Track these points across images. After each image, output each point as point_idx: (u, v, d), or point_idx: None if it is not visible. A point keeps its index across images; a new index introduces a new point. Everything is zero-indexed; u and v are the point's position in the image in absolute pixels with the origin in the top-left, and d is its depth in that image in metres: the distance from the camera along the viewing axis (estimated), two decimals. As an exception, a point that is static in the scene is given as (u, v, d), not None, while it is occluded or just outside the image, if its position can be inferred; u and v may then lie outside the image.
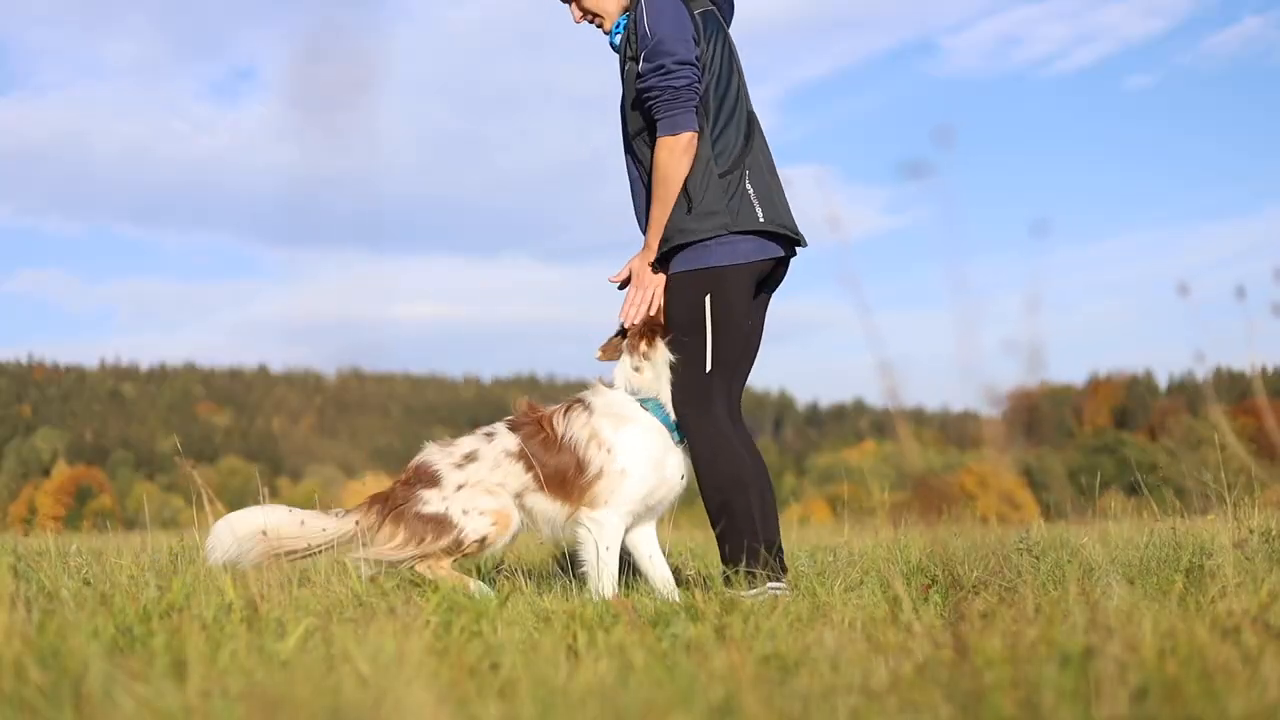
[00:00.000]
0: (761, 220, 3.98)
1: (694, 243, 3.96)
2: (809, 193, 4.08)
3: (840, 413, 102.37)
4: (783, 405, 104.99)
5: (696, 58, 3.92)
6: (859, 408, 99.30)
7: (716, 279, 3.95)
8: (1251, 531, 4.22)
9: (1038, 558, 4.26)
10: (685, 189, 3.94)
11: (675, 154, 3.90)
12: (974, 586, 3.72)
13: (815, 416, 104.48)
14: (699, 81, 3.93)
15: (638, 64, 3.96)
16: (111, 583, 3.73)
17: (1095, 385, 76.01)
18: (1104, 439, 61.24)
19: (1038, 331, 2.24)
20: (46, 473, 71.34)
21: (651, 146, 4.00)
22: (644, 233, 4.12)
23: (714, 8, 4.11)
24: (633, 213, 4.24)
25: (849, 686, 2.03)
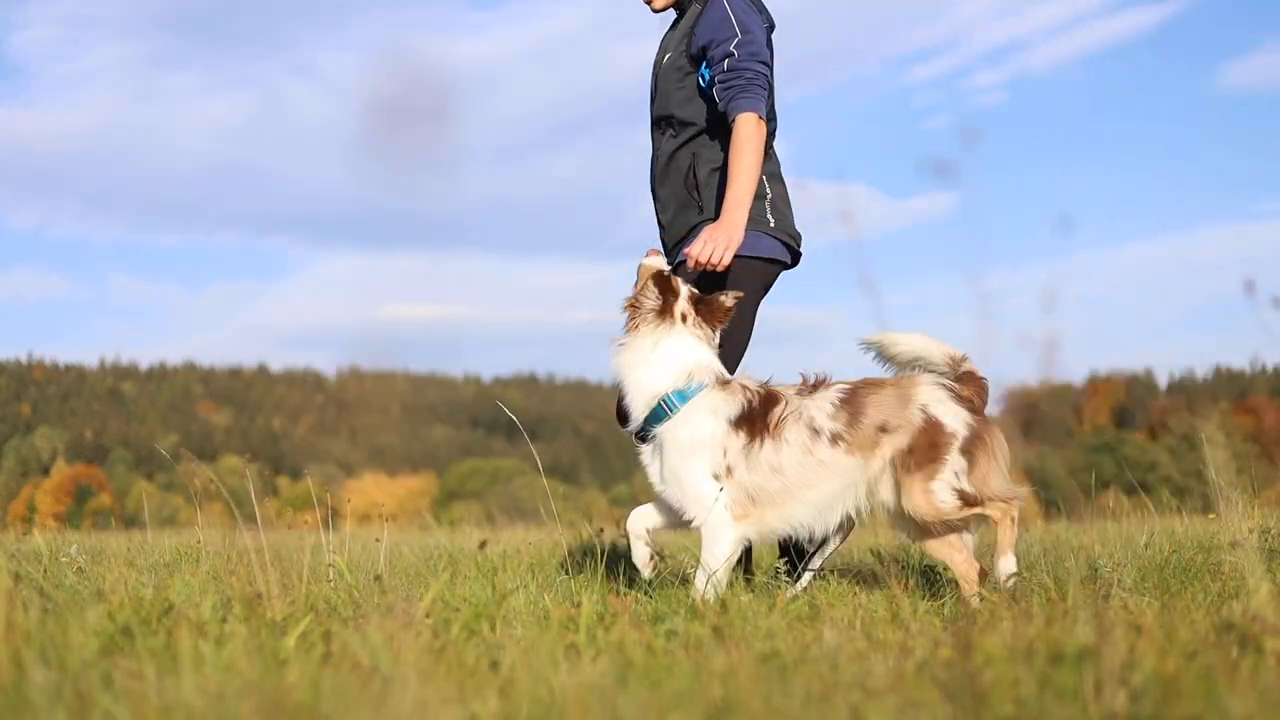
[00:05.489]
0: (771, 226, 4.13)
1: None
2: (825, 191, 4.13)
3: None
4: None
5: (771, 66, 4.12)
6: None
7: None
8: (1250, 530, 4.22)
9: (1038, 557, 4.26)
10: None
11: (763, 131, 4.00)
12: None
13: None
14: (771, 87, 4.12)
15: (703, 54, 4.07)
16: (110, 582, 3.73)
17: (1095, 384, 75.92)
18: (1104, 438, 61.19)
19: (1054, 328, 2.25)
20: (46, 471, 71.31)
21: (720, 134, 4.11)
22: (665, 222, 4.24)
23: (771, 25, 4.28)
24: (654, 206, 4.32)
25: (849, 685, 2.03)
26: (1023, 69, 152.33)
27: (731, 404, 3.66)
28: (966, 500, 3.60)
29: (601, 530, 5.24)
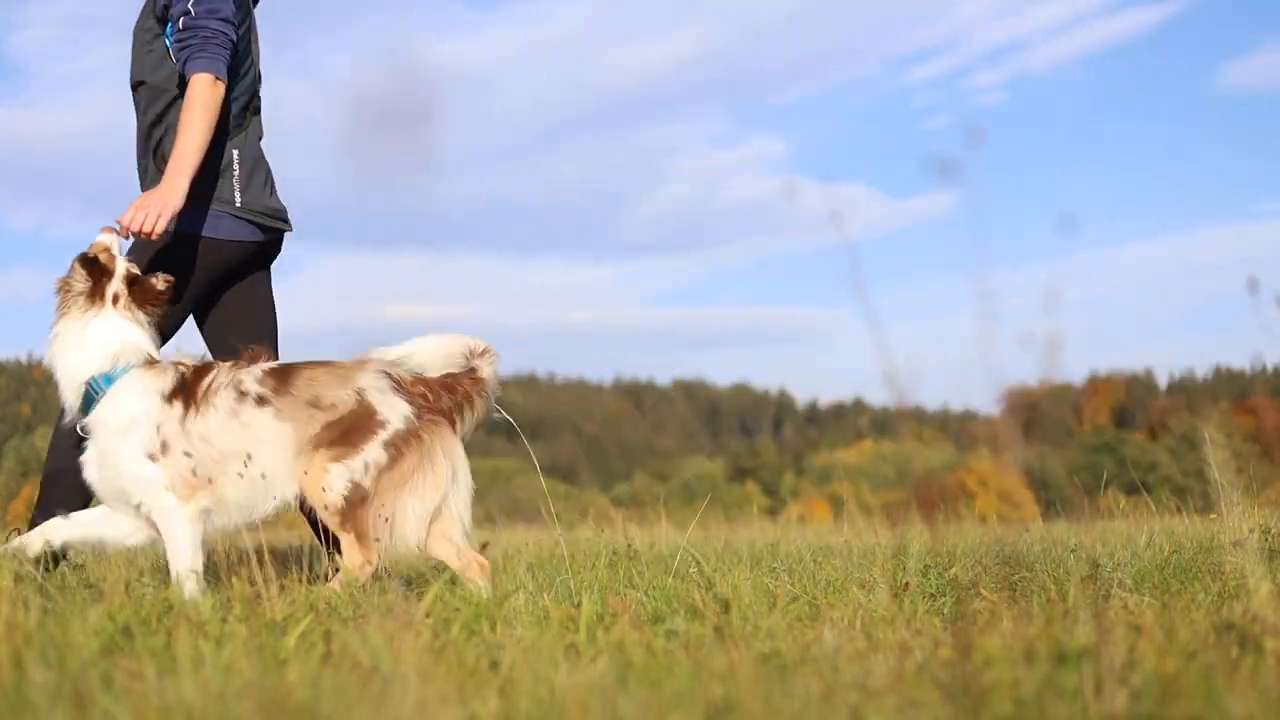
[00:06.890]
0: (238, 205, 4.05)
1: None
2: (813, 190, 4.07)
3: (839, 412, 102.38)
4: (782, 404, 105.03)
5: (236, 25, 3.97)
6: (858, 406, 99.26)
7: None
8: (1251, 530, 4.22)
9: (1038, 557, 4.26)
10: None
11: (218, 93, 3.86)
12: (974, 585, 3.72)
13: (815, 415, 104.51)
14: (235, 47, 3.96)
15: (166, 14, 3.93)
16: (110, 582, 3.73)
17: (1095, 384, 75.92)
18: (1104, 438, 61.18)
19: (1055, 328, 2.25)
20: (46, 471, 71.25)
21: (178, 94, 3.95)
22: (145, 180, 4.11)
23: None
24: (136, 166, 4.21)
25: (849, 685, 2.03)
26: (1023, 69, 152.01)
27: (163, 379, 3.57)
28: (353, 500, 3.45)
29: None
